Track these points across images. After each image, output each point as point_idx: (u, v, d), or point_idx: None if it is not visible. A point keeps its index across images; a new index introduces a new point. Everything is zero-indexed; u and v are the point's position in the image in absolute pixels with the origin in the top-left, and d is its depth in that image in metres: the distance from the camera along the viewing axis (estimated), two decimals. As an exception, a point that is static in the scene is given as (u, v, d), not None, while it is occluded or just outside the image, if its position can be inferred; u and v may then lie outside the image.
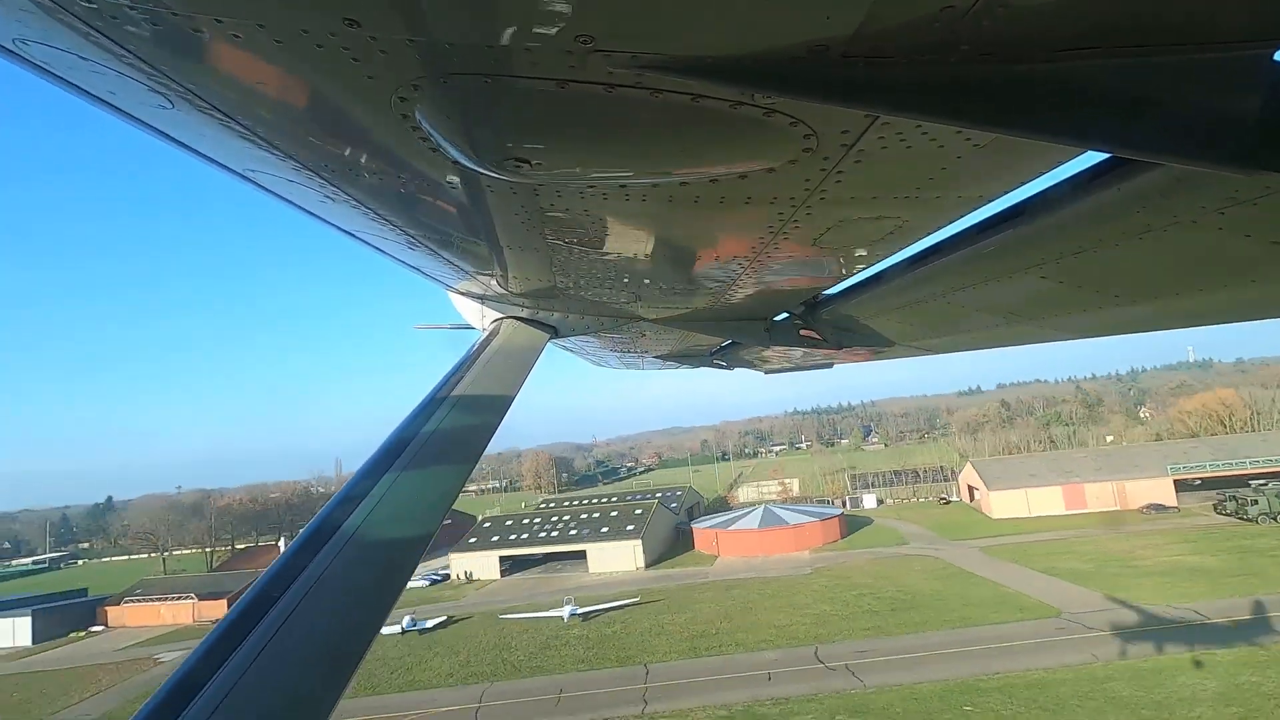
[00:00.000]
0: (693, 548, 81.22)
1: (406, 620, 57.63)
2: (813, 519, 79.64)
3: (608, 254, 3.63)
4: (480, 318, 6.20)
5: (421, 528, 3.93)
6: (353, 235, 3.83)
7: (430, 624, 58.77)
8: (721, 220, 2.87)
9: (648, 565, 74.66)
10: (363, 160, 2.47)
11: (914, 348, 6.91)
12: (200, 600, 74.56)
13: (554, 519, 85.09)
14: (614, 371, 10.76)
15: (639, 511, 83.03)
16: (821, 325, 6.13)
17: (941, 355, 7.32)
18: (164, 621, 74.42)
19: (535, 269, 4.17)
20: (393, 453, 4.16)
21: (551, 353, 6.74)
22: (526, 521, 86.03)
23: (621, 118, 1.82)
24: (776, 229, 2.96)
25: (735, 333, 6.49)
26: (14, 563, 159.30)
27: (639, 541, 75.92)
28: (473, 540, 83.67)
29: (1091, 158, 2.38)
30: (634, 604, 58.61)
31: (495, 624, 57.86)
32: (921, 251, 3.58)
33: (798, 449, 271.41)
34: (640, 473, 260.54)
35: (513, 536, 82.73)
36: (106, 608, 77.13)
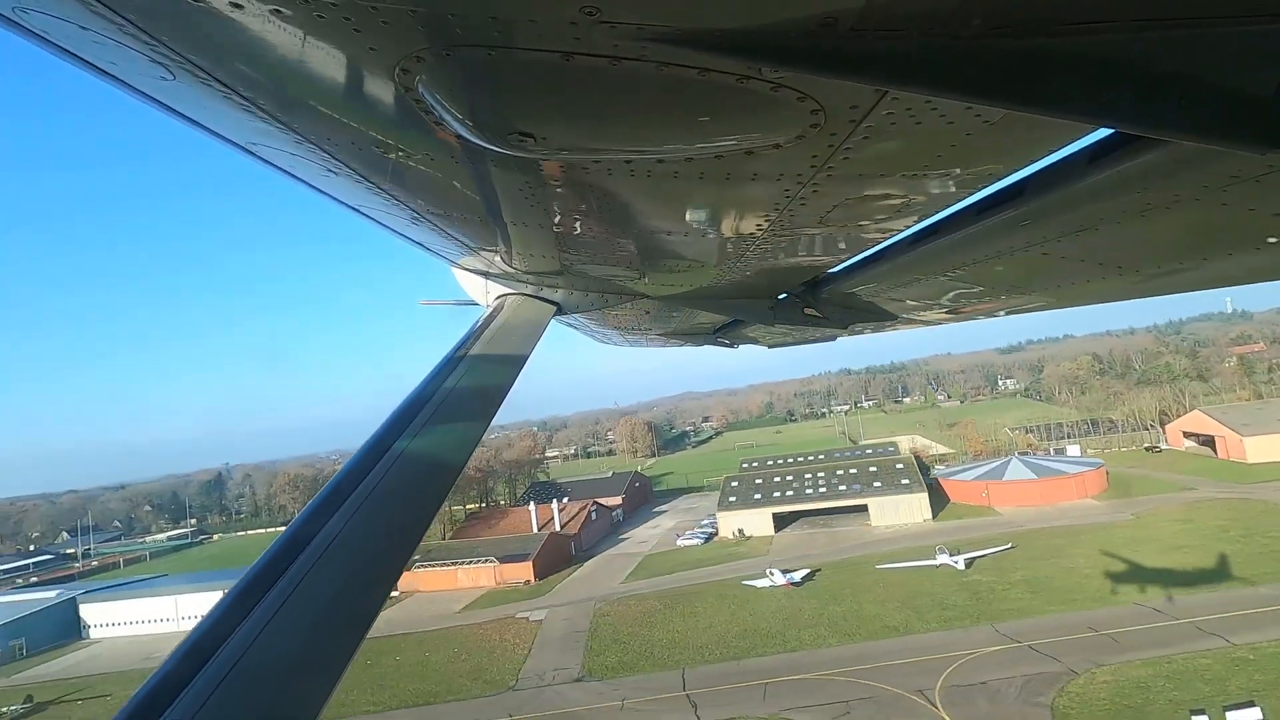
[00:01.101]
0: (947, 501, 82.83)
1: (777, 576, 58.71)
2: (1083, 468, 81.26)
3: (612, 230, 3.62)
4: (485, 294, 6.21)
5: (425, 504, 3.96)
6: (356, 210, 3.80)
7: (798, 576, 60.00)
8: (727, 197, 2.86)
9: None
10: (366, 134, 2.45)
11: (917, 320, 7.04)
12: (501, 563, 75.47)
13: (806, 476, 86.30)
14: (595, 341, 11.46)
15: (899, 466, 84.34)
16: (827, 303, 6.10)
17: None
18: (461, 586, 75.33)
19: (540, 245, 4.19)
20: (397, 428, 4.14)
21: (554, 328, 6.88)
22: (779, 480, 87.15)
23: (627, 91, 1.79)
24: (783, 206, 2.92)
25: (740, 311, 6.55)
26: (148, 539, 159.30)
27: (924, 494, 77.36)
28: (733, 499, 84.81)
29: (1094, 136, 2.37)
30: (1007, 550, 60.07)
31: (873, 574, 59.01)
32: (928, 227, 3.54)
33: (862, 408, 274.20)
34: (714, 435, 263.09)
35: (776, 494, 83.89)
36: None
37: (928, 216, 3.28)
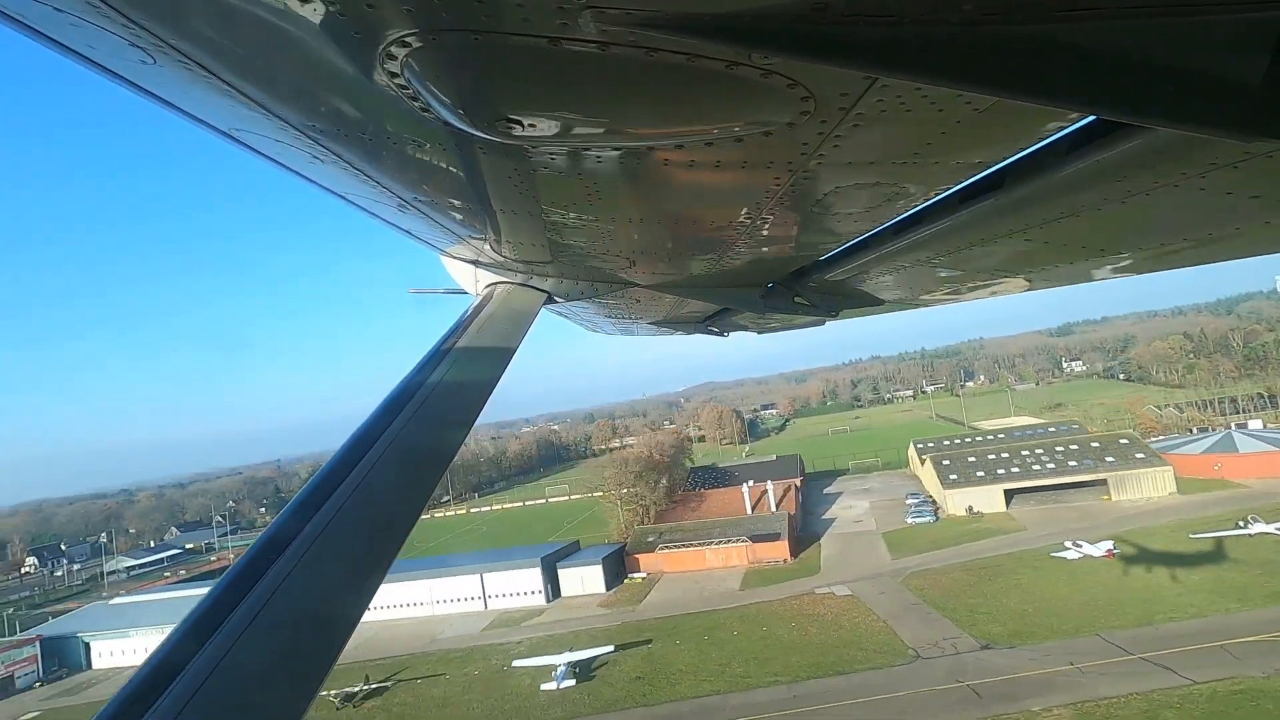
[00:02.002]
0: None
1: (1086, 546, 59.15)
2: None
3: (602, 218, 3.60)
4: (474, 282, 6.16)
5: (415, 495, 3.92)
6: (342, 197, 3.77)
7: (1103, 548, 60.43)
8: (717, 184, 2.85)
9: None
10: (351, 120, 2.43)
11: (906, 304, 7.11)
12: (754, 543, 76.05)
13: (1024, 453, 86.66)
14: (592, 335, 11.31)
15: (1123, 441, 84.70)
16: (816, 290, 6.09)
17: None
18: (710, 566, 75.93)
19: (529, 233, 4.18)
20: (386, 419, 4.10)
21: (546, 318, 6.86)
22: (993, 457, 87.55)
23: (615, 78, 1.78)
24: (773, 193, 2.92)
25: (730, 299, 6.54)
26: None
27: (1169, 468, 77.74)
28: (953, 476, 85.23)
29: (1075, 124, 2.38)
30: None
31: (1185, 543, 59.45)
32: (916, 213, 3.54)
33: (926, 393, 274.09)
34: (786, 422, 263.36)
35: (1000, 471, 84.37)
36: (637, 555, 78.65)
37: (917, 203, 3.27)
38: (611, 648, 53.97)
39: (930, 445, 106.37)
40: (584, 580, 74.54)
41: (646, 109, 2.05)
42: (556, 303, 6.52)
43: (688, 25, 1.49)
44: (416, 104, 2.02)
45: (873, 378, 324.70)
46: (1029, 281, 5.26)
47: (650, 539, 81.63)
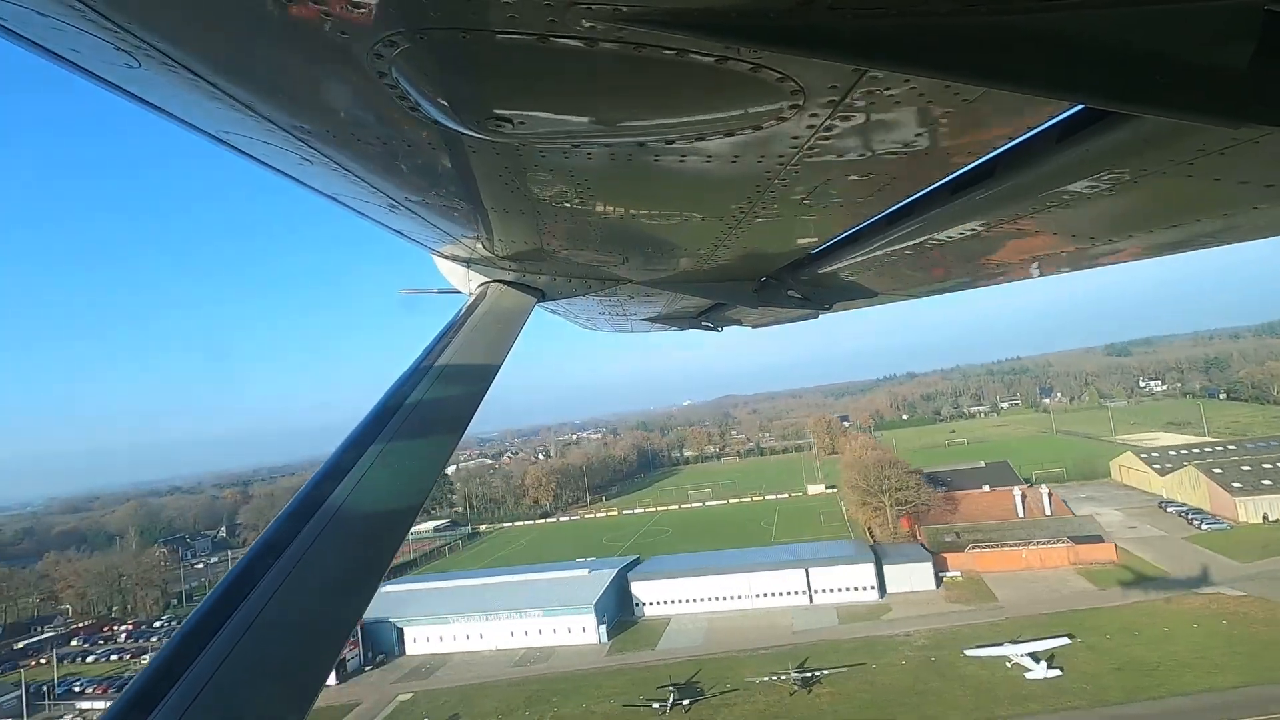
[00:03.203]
0: None
1: None
2: None
3: (594, 215, 3.61)
4: (466, 282, 6.15)
5: (410, 498, 3.91)
6: (333, 198, 3.78)
7: None
8: (709, 180, 2.87)
9: None
10: (340, 120, 2.44)
11: (900, 296, 7.17)
12: (1076, 544, 76.61)
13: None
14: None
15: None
16: (810, 284, 6.09)
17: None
18: (1029, 565, 76.47)
19: (521, 231, 4.17)
20: (380, 421, 4.10)
21: (540, 317, 6.90)
22: (1268, 466, 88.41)
23: (604, 74, 1.80)
24: (764, 188, 2.94)
25: (723, 294, 6.51)
26: (419, 528, 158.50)
27: None
28: (1237, 484, 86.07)
29: (1063, 114, 2.42)
30: None
31: None
32: (907, 205, 3.57)
33: (1002, 410, 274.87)
34: (873, 435, 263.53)
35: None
36: (944, 555, 79.15)
37: (908, 194, 3.29)
38: (1065, 639, 54.37)
39: (1156, 456, 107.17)
40: (911, 577, 74.99)
41: (636, 105, 2.06)
42: (550, 300, 6.50)
43: (675, 20, 1.48)
44: (406, 103, 2.02)
45: (942, 392, 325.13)
46: (1021, 271, 5.26)
47: (948, 539, 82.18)
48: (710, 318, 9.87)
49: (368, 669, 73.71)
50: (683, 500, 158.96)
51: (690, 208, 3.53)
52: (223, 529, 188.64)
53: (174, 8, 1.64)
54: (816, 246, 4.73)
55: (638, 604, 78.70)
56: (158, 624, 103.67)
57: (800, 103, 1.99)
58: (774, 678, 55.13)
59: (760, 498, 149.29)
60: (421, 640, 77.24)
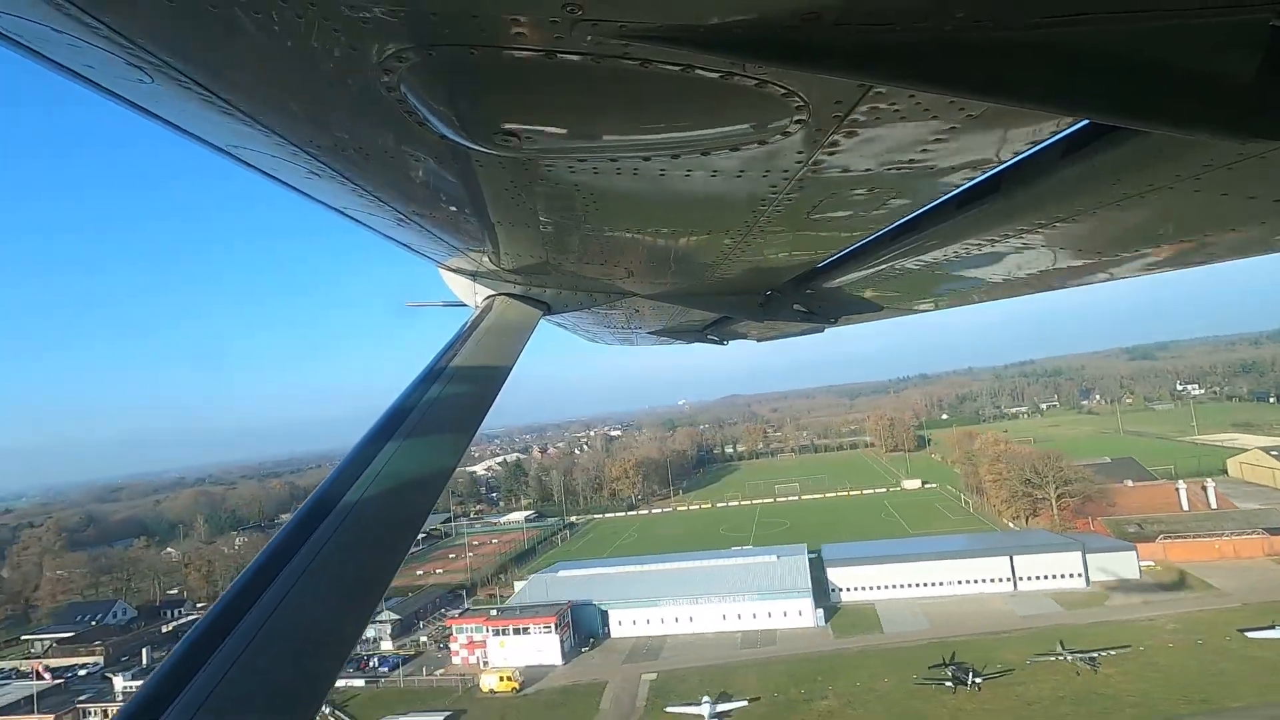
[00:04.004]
0: None
1: None
2: None
3: (599, 229, 3.65)
4: (472, 295, 6.22)
5: (414, 510, 3.96)
6: (341, 212, 3.82)
7: None
8: (714, 194, 2.91)
9: None
10: (349, 135, 2.49)
11: (905, 310, 7.28)
12: (1270, 535, 78.60)
13: None
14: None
15: None
16: (815, 298, 6.15)
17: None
18: (1224, 555, 78.49)
19: (526, 245, 4.23)
20: (384, 434, 4.14)
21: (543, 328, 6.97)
22: None
23: (610, 90, 1.83)
24: (769, 202, 2.97)
25: (729, 308, 6.58)
26: (502, 521, 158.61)
27: None
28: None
29: (1069, 128, 2.39)
30: None
31: None
32: (912, 220, 3.59)
33: (1042, 411, 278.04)
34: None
35: None
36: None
37: (914, 209, 3.29)
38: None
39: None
40: (1114, 565, 76.74)
41: (642, 120, 2.08)
42: (555, 314, 6.52)
43: (681, 37, 1.50)
44: (413, 118, 2.05)
45: (976, 393, 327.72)
46: (1026, 286, 5.26)
47: (1131, 529, 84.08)
48: (715, 331, 9.87)
49: (584, 650, 74.47)
50: (769, 494, 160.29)
51: (696, 222, 3.57)
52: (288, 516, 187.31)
53: (186, 25, 1.68)
54: (822, 261, 4.73)
55: (834, 589, 79.90)
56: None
57: (805, 118, 2.01)
58: (1054, 658, 56.33)
59: (857, 492, 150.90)
60: (627, 623, 78.03)
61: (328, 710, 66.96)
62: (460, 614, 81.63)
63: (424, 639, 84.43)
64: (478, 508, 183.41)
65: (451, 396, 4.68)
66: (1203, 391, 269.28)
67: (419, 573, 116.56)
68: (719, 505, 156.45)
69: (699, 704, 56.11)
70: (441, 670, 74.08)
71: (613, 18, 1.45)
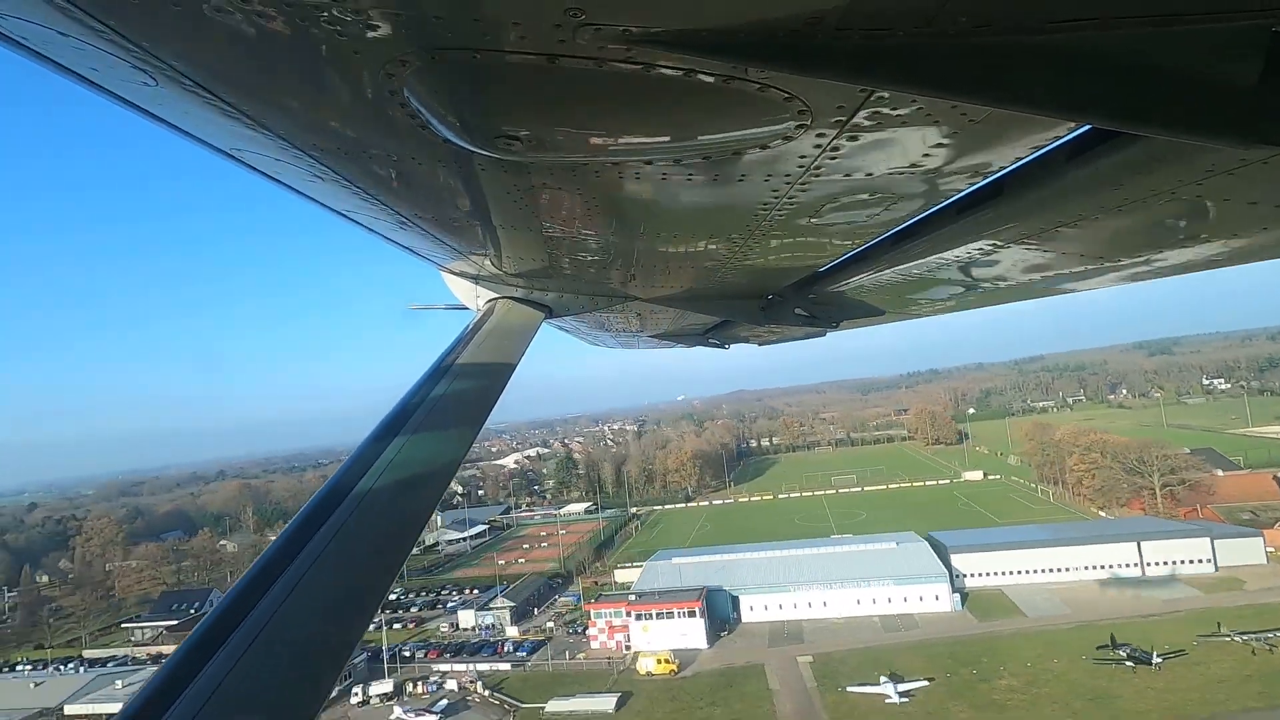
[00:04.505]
0: None
1: None
2: None
3: (601, 233, 3.68)
4: (474, 298, 6.25)
5: (417, 511, 3.98)
6: (343, 215, 3.84)
7: None
8: (716, 198, 2.92)
9: None
10: (352, 139, 2.50)
11: (906, 315, 7.36)
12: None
13: None
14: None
15: None
16: (817, 302, 6.16)
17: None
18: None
19: (528, 249, 4.23)
20: (386, 437, 4.16)
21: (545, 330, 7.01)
22: None
23: (613, 94, 1.84)
24: (771, 206, 2.98)
25: (730, 311, 6.67)
26: (562, 511, 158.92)
27: None
28: None
29: (1073, 133, 2.39)
30: None
31: None
32: (914, 224, 3.57)
33: (1070, 405, 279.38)
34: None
35: None
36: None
37: (916, 214, 3.29)
38: None
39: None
40: (1240, 551, 77.98)
41: (644, 124, 2.10)
42: (557, 317, 6.57)
43: (683, 41, 1.51)
44: (416, 122, 2.06)
45: (1000, 388, 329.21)
46: (1028, 291, 5.31)
47: (1245, 516, 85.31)
48: (717, 335, 9.91)
49: (721, 634, 75.27)
50: (825, 486, 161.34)
51: (698, 226, 3.57)
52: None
53: (190, 28, 1.68)
54: (823, 265, 4.73)
55: (958, 575, 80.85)
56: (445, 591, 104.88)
57: (807, 122, 2.02)
58: (1223, 639, 57.23)
59: (919, 484, 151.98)
60: (758, 608, 78.88)
61: (486, 692, 67.75)
62: (595, 600, 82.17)
63: (549, 624, 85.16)
64: (527, 500, 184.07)
65: (455, 395, 4.73)
66: (1230, 386, 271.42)
67: (500, 562, 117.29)
68: (780, 496, 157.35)
69: (878, 683, 56.95)
70: (583, 654, 74.77)
71: (615, 22, 1.46)
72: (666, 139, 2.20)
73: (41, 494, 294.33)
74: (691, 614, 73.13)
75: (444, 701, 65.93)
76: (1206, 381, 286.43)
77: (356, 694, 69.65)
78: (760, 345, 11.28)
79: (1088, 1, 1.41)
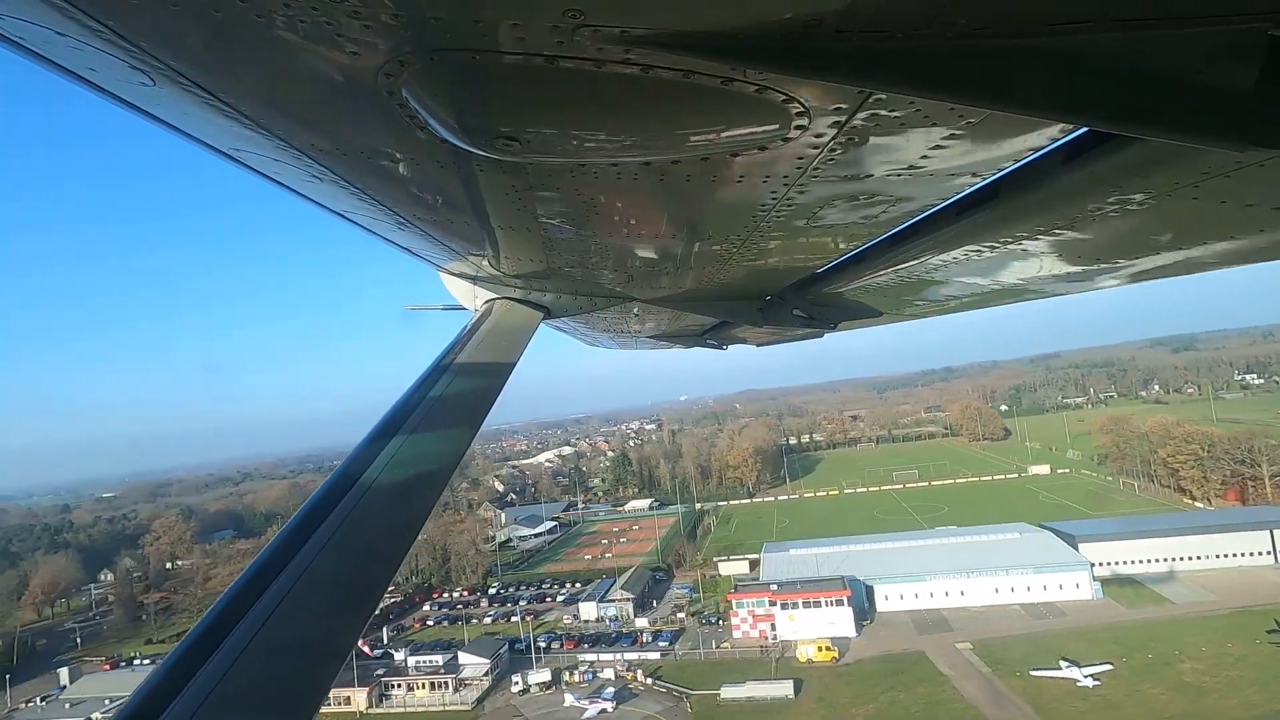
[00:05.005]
0: None
1: None
2: None
3: (600, 234, 3.71)
4: (472, 298, 6.27)
5: (413, 514, 3.97)
6: (341, 215, 3.85)
7: None
8: (714, 199, 2.92)
9: None
10: (350, 139, 2.51)
11: (905, 316, 7.35)
12: None
13: None
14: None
15: None
16: (815, 303, 6.19)
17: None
18: None
19: (527, 249, 4.26)
20: (383, 437, 4.15)
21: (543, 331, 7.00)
22: None
23: (611, 95, 1.83)
24: (769, 208, 2.98)
25: (728, 313, 6.72)
26: (626, 507, 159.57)
27: None
28: None
29: (1069, 135, 2.38)
30: None
31: None
32: (911, 226, 3.57)
33: (1105, 402, 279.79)
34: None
35: None
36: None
37: (913, 215, 3.31)
38: None
39: None
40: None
41: (642, 125, 2.09)
42: (555, 318, 6.56)
43: (681, 43, 1.52)
44: (415, 122, 2.08)
45: (1030, 385, 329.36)
46: (1026, 292, 5.32)
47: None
48: (715, 336, 9.97)
49: (865, 623, 75.80)
50: (887, 481, 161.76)
51: (696, 227, 3.60)
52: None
53: (189, 28, 1.69)
54: (821, 266, 4.75)
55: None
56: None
57: (806, 124, 2.03)
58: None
59: (988, 478, 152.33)
60: (893, 598, 79.49)
61: (650, 680, 68.22)
62: (736, 589, 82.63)
63: (679, 614, 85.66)
64: (584, 497, 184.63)
65: (454, 396, 4.74)
66: (1263, 381, 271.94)
67: (586, 556, 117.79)
68: (847, 492, 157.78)
69: (1058, 667, 57.50)
70: (727, 643, 75.31)
71: (614, 23, 1.47)
72: (665, 140, 2.20)
73: (51, 497, 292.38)
74: (840, 603, 73.65)
75: (611, 689, 66.39)
76: (1239, 377, 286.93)
77: (516, 682, 70.20)
78: (758, 346, 11.33)
79: (1085, 4, 1.42)
